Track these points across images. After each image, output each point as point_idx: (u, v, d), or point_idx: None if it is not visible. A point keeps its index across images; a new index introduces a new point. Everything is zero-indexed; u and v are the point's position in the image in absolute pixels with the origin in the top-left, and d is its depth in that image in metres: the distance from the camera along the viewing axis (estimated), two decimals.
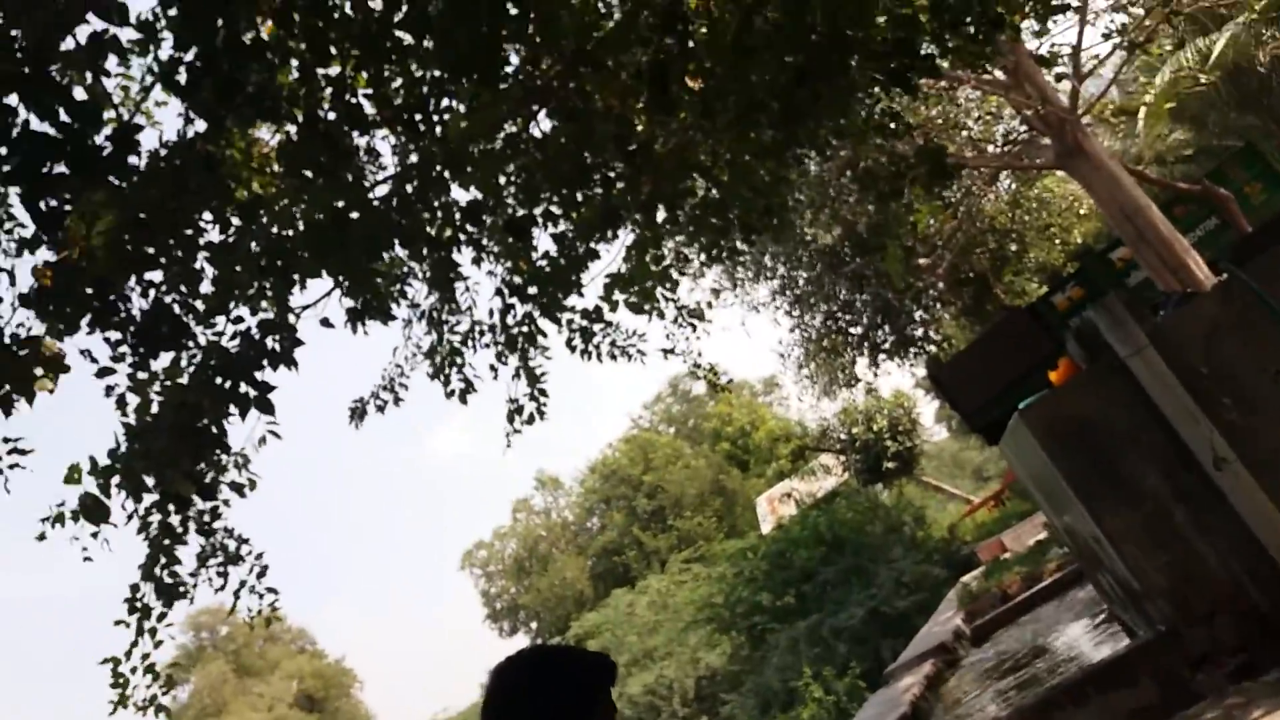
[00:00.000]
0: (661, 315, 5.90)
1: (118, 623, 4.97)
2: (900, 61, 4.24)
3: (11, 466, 4.48)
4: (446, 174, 4.57)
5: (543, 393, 6.94)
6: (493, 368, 6.42)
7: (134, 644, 5.02)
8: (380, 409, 7.23)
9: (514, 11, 3.97)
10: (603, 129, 4.17)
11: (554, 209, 4.93)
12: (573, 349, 6.74)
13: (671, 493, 35.49)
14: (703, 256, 7.32)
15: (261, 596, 5.47)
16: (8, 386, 4.08)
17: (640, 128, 4.45)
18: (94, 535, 4.61)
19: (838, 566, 18.30)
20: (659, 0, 3.82)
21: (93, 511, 4.56)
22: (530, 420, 7.01)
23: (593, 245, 5.20)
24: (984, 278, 16.92)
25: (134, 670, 5.00)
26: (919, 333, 18.25)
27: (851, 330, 18.03)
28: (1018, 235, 16.69)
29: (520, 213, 5.04)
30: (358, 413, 7.23)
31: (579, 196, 4.88)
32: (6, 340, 4.16)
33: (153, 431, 4.62)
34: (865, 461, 24.26)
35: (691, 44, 3.91)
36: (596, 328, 6.69)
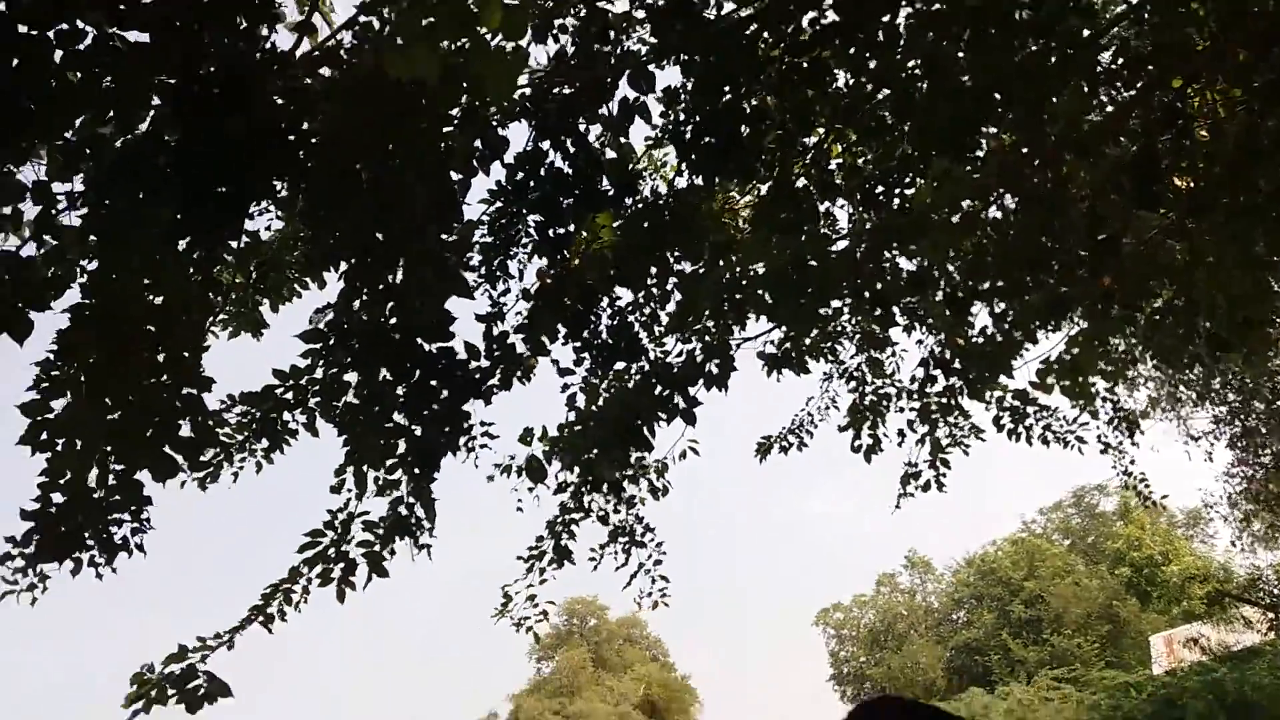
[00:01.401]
0: (1095, 415, 5.62)
1: (519, 558, 5.85)
2: None
3: (482, 446, 5.39)
4: (898, 241, 4.80)
5: (945, 463, 6.91)
6: (901, 432, 6.52)
7: (526, 574, 5.84)
8: (784, 450, 7.61)
9: (997, 96, 4.09)
10: (1072, 214, 4.12)
11: (1000, 288, 4.94)
12: (1000, 427, 6.67)
13: (1053, 606, 32.56)
14: (1152, 363, 6.82)
15: (654, 581, 6.07)
16: (492, 381, 4.94)
17: (1111, 220, 4.33)
18: (530, 489, 5.61)
19: None
20: (1161, 97, 3.72)
21: (535, 471, 5.52)
22: (925, 488, 7.02)
23: (1033, 329, 5.12)
24: None
25: (518, 593, 5.81)
26: None
27: None
28: None
29: (962, 289, 5.11)
30: (764, 449, 7.67)
31: (1028, 280, 4.84)
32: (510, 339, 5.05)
33: (596, 421, 5.39)
34: None
35: (1188, 141, 3.75)
36: (1030, 410, 6.59)
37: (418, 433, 3.88)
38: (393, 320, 3.56)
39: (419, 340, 3.65)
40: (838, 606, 43.20)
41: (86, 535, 3.01)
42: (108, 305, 2.69)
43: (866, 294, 4.85)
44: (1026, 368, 5.51)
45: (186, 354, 2.79)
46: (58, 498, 2.87)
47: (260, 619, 4.39)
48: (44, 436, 2.73)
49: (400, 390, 3.74)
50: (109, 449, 2.78)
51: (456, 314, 3.73)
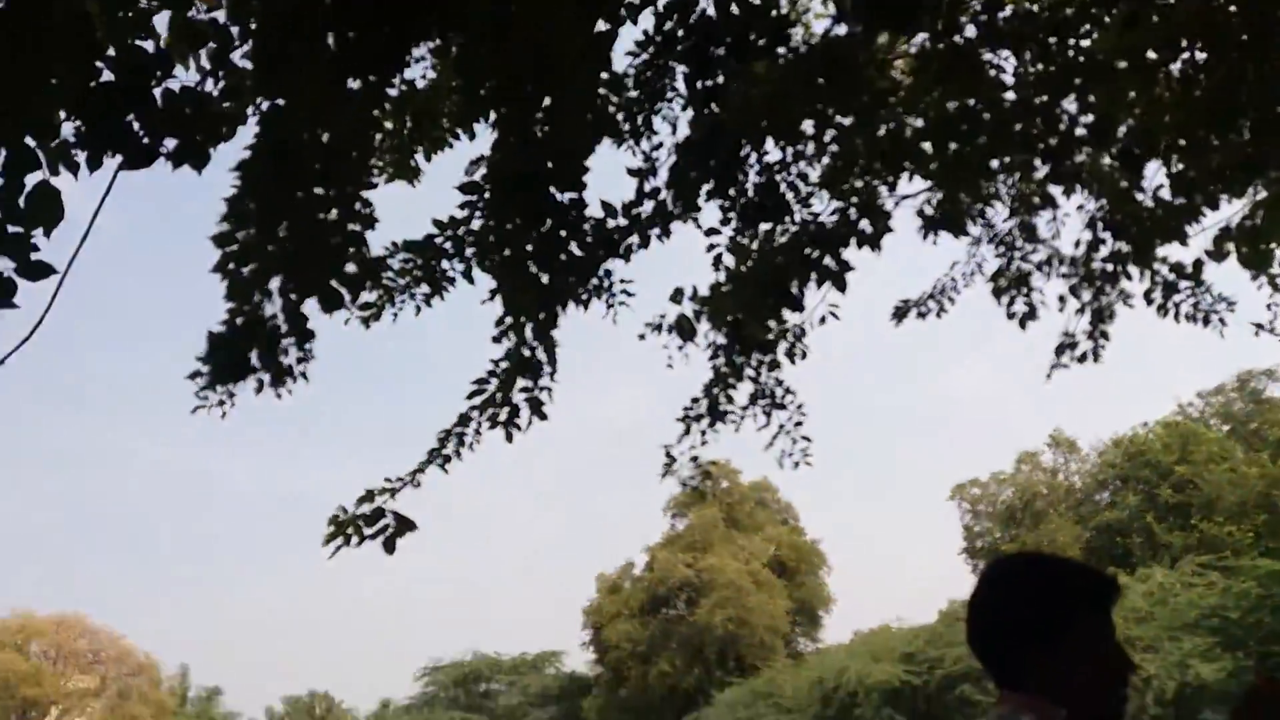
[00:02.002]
0: (1277, 288, 5.25)
1: (679, 419, 6.03)
2: None
3: (621, 303, 5.49)
4: (1074, 90, 4.48)
5: (1105, 335, 6.64)
6: (1061, 299, 6.27)
7: (683, 436, 6.02)
8: (923, 315, 7.43)
9: None
10: (1273, 64, 3.76)
11: (1181, 146, 4.59)
12: (1149, 301, 6.32)
13: (1205, 492, 31.19)
14: None
15: (795, 442, 6.16)
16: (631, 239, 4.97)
17: None
18: (680, 348, 5.71)
19: None
20: None
21: (684, 330, 5.59)
22: (1082, 359, 6.78)
23: (1215, 193, 4.76)
24: None
25: (681, 454, 6.03)
26: None
27: None
28: None
29: (1140, 145, 4.78)
30: (901, 313, 7.50)
31: (1214, 139, 4.48)
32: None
33: (744, 282, 5.40)
34: None
35: None
36: (1182, 284, 6.19)
37: (545, 281, 4.01)
38: (532, 169, 3.62)
39: (552, 189, 3.72)
40: (974, 482, 42.73)
41: (258, 360, 3.31)
42: (279, 140, 2.87)
43: (1041, 145, 4.58)
44: (1200, 236, 5.16)
45: (351, 189, 2.98)
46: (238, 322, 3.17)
47: (438, 461, 4.74)
48: (231, 266, 3.00)
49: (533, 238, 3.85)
50: (281, 278, 3.03)
51: (597, 174, 3.78)
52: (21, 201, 2.29)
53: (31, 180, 2.32)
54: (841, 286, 5.16)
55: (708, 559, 37.36)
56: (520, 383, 4.39)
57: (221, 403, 3.89)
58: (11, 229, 2.40)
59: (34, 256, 2.50)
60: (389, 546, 3.83)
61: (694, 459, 6.06)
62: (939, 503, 45.46)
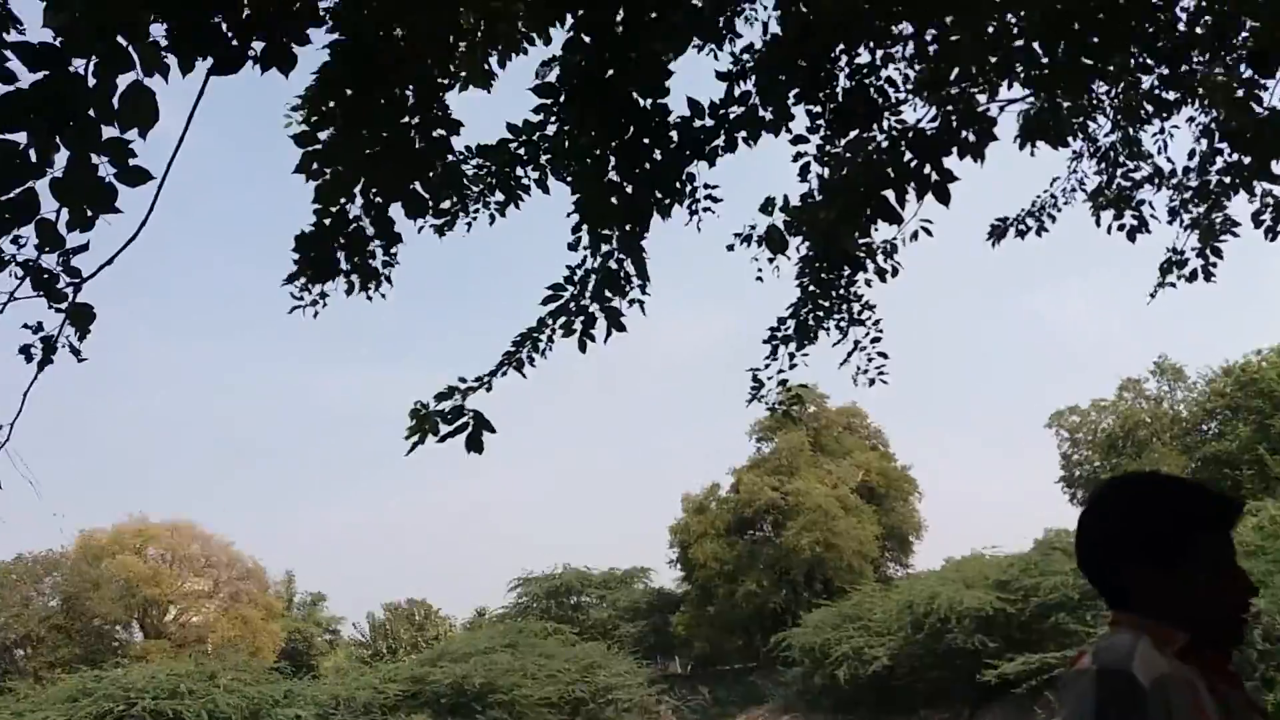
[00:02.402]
0: None
1: (765, 341, 5.96)
2: None
3: (705, 209, 5.38)
4: None
5: (1216, 252, 6.28)
6: (1173, 212, 5.94)
7: (771, 360, 5.96)
8: (1021, 234, 7.13)
9: None
10: None
11: None
12: (1258, 224, 5.93)
13: None
14: None
15: (871, 359, 6.02)
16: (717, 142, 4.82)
17: None
18: (770, 260, 5.59)
19: None
20: None
21: (775, 241, 5.42)
22: (1191, 277, 6.44)
23: None
24: None
25: (770, 379, 5.97)
26: None
27: None
28: None
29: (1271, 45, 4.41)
30: (998, 233, 7.22)
31: None
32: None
33: (838, 192, 5.21)
34: None
35: None
36: None
37: (629, 190, 3.92)
38: (610, 73, 3.52)
39: (634, 95, 3.61)
40: (1074, 409, 41.54)
41: (346, 261, 3.38)
42: (359, 41, 2.87)
43: (1160, 44, 4.27)
44: None
45: (429, 91, 2.97)
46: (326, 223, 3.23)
47: (513, 365, 4.80)
48: (314, 166, 3.04)
49: (614, 146, 3.76)
50: (366, 181, 3.06)
51: (681, 79, 3.65)
52: (116, 102, 2.34)
53: (125, 81, 2.37)
54: (944, 198, 4.92)
55: (794, 482, 37.38)
56: (600, 294, 4.38)
57: (315, 303, 4.01)
58: (108, 132, 2.46)
59: (131, 162, 2.57)
60: (472, 444, 3.89)
61: (783, 383, 5.98)
62: (1035, 430, 44.30)
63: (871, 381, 5.96)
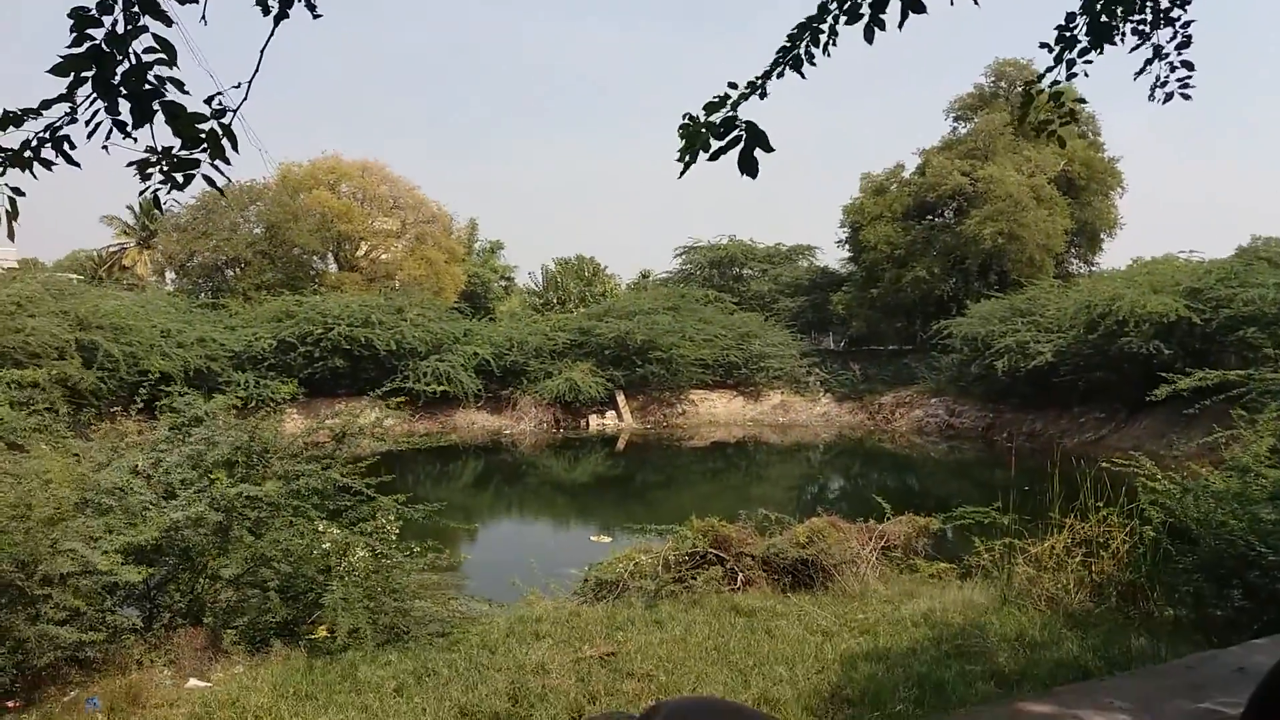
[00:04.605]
0: None
1: (1042, 45, 4.80)
2: None
3: None
4: None
5: None
6: None
7: (1054, 65, 4.82)
8: None
9: None
10: None
11: None
12: None
13: None
14: None
15: (1173, 69, 4.80)
16: None
17: None
18: None
19: None
20: None
21: None
22: None
23: None
24: None
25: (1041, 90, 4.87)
26: None
27: None
28: None
29: None
30: None
31: None
32: None
33: None
34: None
35: None
36: None
37: None
38: None
39: None
40: None
41: None
42: None
43: None
44: None
45: None
46: None
47: (788, 63, 3.94)
48: None
49: None
50: None
51: None
52: None
53: None
54: None
55: (986, 168, 34.75)
56: None
57: None
58: None
59: None
60: (745, 164, 3.23)
61: (1056, 96, 4.84)
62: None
63: (1170, 96, 4.76)
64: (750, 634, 7.48)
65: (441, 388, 27.94)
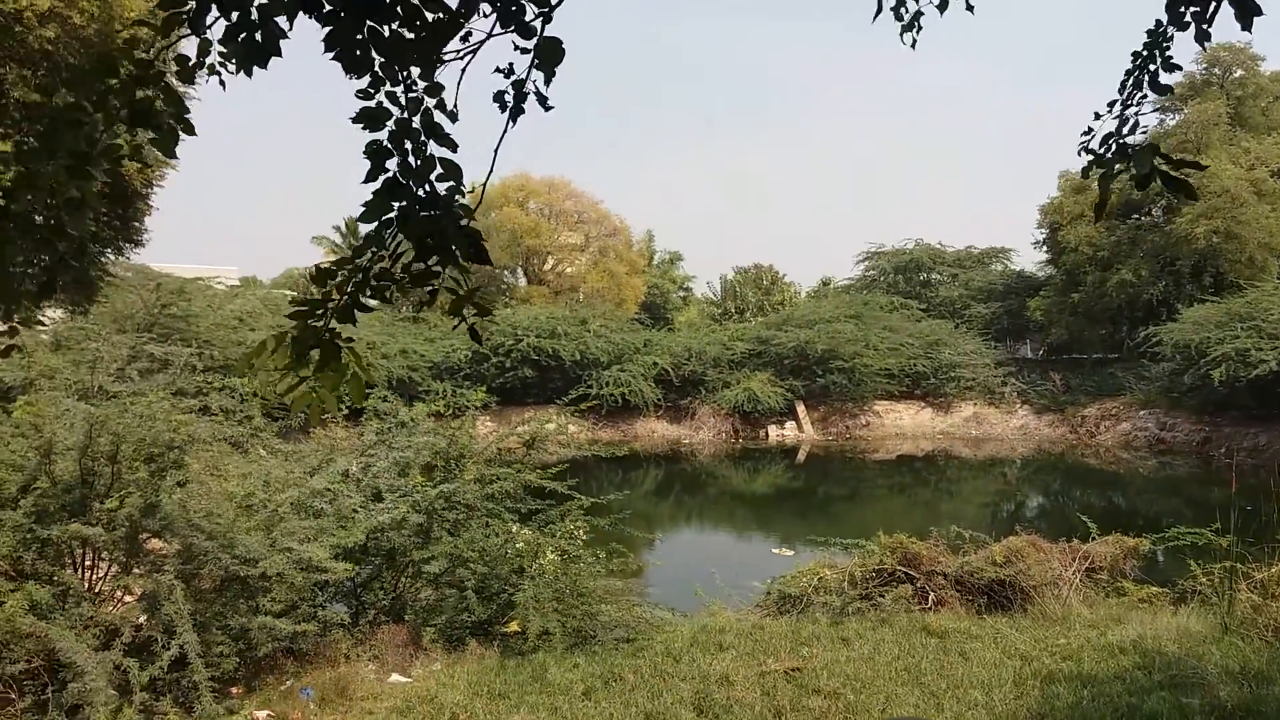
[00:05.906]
0: None
1: None
2: None
3: None
4: None
5: None
6: None
7: None
8: None
9: None
10: None
11: None
12: None
13: None
14: None
15: None
16: None
17: None
18: None
19: None
20: None
21: None
22: None
23: None
24: None
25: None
26: None
27: None
28: None
29: None
30: None
31: None
32: None
33: None
34: None
35: None
36: None
37: None
38: None
39: None
40: None
41: None
42: None
43: None
44: None
45: None
46: None
47: None
48: None
49: None
50: None
51: None
52: None
53: None
54: None
55: (1200, 162, 32.03)
56: None
57: None
58: None
59: None
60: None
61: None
62: None
63: None
64: (943, 655, 7.19)
65: (621, 390, 28.36)
